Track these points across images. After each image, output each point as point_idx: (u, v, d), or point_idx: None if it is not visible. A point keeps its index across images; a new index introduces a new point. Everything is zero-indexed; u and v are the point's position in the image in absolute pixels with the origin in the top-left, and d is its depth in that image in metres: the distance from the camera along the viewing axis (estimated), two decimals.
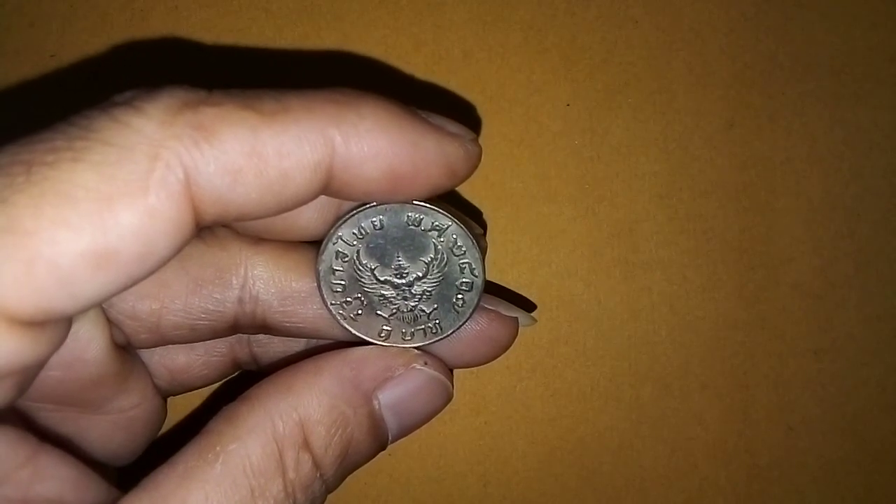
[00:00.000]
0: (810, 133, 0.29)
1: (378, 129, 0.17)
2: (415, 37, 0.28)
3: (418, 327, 0.21)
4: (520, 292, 0.28)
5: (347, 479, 0.20)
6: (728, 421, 0.29)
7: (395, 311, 0.21)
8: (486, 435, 0.28)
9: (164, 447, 0.19)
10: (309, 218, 0.20)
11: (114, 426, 0.22)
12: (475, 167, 0.19)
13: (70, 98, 0.28)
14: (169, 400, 0.24)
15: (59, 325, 0.16)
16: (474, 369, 0.28)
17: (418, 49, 0.28)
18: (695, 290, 0.28)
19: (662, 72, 0.28)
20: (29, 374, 0.16)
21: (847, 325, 0.29)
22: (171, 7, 0.28)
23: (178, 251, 0.16)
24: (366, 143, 0.17)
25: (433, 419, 0.21)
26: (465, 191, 0.28)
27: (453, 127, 0.19)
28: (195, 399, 0.28)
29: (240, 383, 0.24)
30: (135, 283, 0.16)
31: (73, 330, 0.18)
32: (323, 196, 0.18)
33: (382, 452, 0.21)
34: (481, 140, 0.28)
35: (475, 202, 0.28)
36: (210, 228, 0.22)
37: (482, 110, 0.28)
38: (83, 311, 0.16)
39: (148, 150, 0.15)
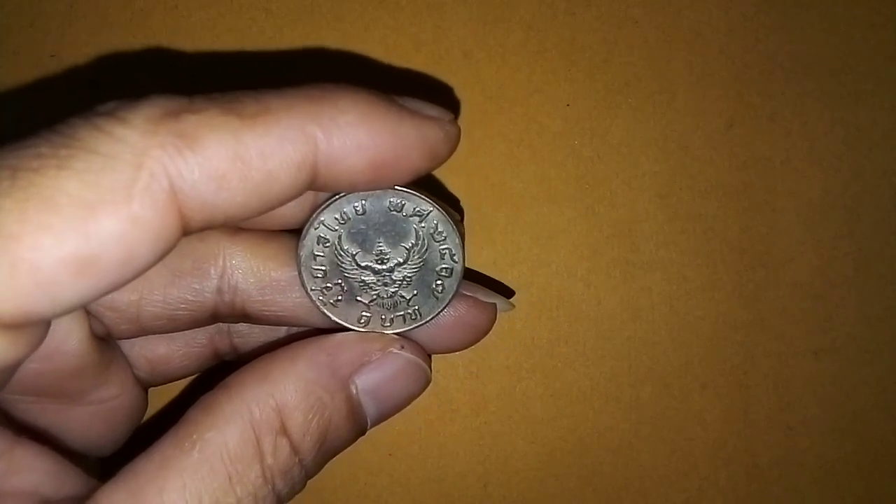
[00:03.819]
0: (810, 133, 0.29)
1: (358, 121, 0.17)
2: (415, 37, 0.28)
3: (398, 313, 0.21)
4: (520, 292, 0.28)
5: (347, 479, 0.20)
6: (728, 421, 0.29)
7: (375, 297, 0.21)
8: (486, 435, 0.28)
9: (147, 437, 0.19)
10: (287, 207, 0.20)
11: (94, 417, 0.22)
12: (454, 148, 0.19)
13: (70, 98, 0.28)
14: (153, 389, 0.24)
15: (39, 326, 0.16)
16: (474, 369, 0.28)
17: (418, 49, 0.28)
18: (695, 290, 0.28)
19: (662, 72, 0.28)
20: (6, 374, 0.17)
21: (847, 325, 0.29)
22: (171, 7, 0.28)
23: (160, 258, 0.16)
24: (348, 137, 0.17)
25: (434, 420, 0.21)
26: (465, 191, 0.28)
27: (431, 110, 0.19)
28: (180, 387, 0.28)
29: (224, 373, 0.24)
30: (116, 288, 0.16)
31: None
32: None
33: (384, 453, 0.21)
34: (482, 139, 0.28)
35: (476, 202, 0.28)
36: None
37: (482, 110, 0.28)
38: (63, 314, 0.16)
39: (131, 160, 0.15)
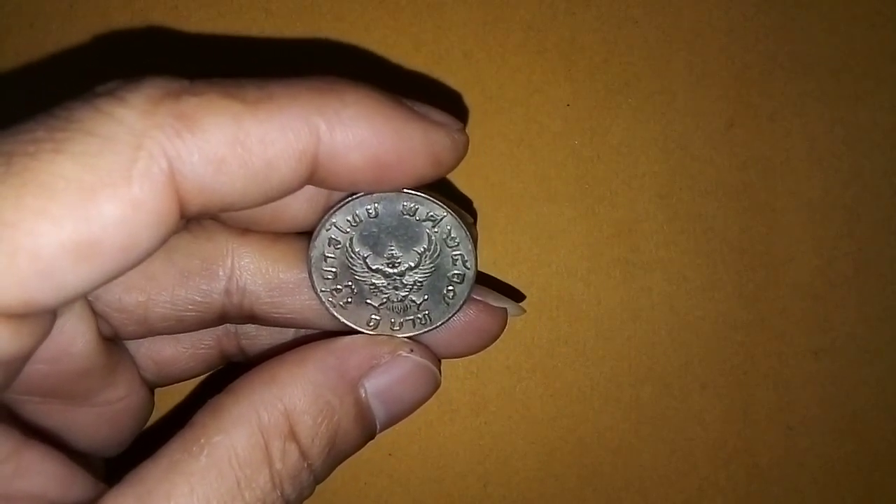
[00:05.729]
0: (810, 133, 0.29)
1: (362, 117, 0.17)
2: (415, 37, 0.28)
3: (407, 318, 0.21)
4: (520, 292, 0.28)
5: (347, 479, 0.20)
6: (728, 421, 0.29)
7: (385, 300, 0.21)
8: (486, 435, 0.28)
9: (153, 438, 0.19)
10: (297, 209, 0.20)
11: (101, 418, 0.21)
12: (462, 157, 0.19)
13: (70, 98, 0.28)
14: (160, 391, 0.24)
15: (43, 317, 0.16)
16: (474, 369, 0.28)
17: (418, 49, 0.28)
18: (695, 290, 0.28)
19: (662, 72, 0.28)
20: (12, 368, 0.16)
21: (847, 325, 0.29)
22: (171, 7, 0.28)
23: (162, 243, 0.16)
24: (350, 131, 0.17)
25: (434, 420, 0.21)
26: (465, 191, 0.28)
27: (439, 116, 0.19)
28: (187, 389, 0.28)
29: (231, 375, 0.24)
30: (119, 274, 0.16)
31: (59, 323, 0.18)
32: (311, 187, 0.18)
33: (384, 453, 0.21)
34: (482, 139, 0.28)
35: (476, 202, 0.28)
36: (197, 220, 0.21)
37: (482, 110, 0.28)
38: (67, 303, 0.15)
39: (130, 141, 0.15)
